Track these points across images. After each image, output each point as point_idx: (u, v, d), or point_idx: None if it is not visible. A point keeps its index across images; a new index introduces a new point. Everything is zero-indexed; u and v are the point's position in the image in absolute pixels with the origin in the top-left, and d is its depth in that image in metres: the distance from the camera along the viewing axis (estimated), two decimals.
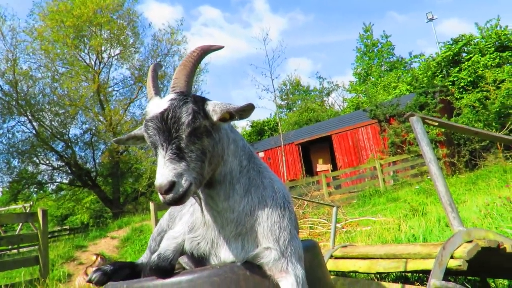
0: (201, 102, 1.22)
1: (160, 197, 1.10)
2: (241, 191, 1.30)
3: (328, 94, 36.03)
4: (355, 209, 9.76)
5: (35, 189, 21.81)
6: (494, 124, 13.91)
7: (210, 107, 1.22)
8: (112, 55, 20.55)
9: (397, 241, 3.93)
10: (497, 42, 18.37)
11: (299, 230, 6.63)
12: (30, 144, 19.18)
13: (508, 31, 18.45)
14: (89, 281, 1.49)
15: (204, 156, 1.18)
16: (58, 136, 19.84)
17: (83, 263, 8.03)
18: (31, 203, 17.73)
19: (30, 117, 18.68)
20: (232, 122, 1.37)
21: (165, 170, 1.09)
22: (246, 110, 1.22)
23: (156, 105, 1.19)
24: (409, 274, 2.68)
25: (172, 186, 1.08)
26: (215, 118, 1.20)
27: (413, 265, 1.85)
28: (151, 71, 1.39)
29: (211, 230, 1.34)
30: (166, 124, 1.14)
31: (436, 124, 1.91)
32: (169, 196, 1.08)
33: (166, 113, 1.15)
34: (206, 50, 1.29)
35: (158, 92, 1.30)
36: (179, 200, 1.10)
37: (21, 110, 18.06)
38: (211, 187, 1.30)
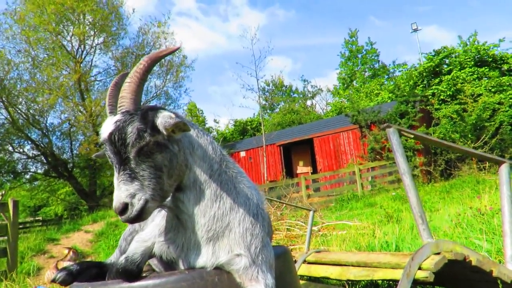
0: (152, 116, 1.20)
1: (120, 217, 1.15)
2: (212, 195, 1.29)
3: (312, 97, 36.32)
4: (332, 212, 9.88)
5: (9, 178, 21.14)
6: (470, 135, 14.32)
7: (159, 120, 1.19)
8: (96, 43, 20.14)
9: (371, 247, 3.99)
10: (476, 57, 18.92)
11: (277, 232, 6.67)
12: (4, 131, 18.55)
13: (487, 47, 19.04)
14: (54, 280, 1.44)
15: (160, 171, 1.19)
16: (35, 124, 19.27)
17: (54, 257, 7.82)
18: (3, 192, 17.14)
19: (6, 103, 18.07)
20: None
21: (118, 192, 1.14)
22: (178, 127, 1.19)
23: (106, 127, 1.20)
24: (379, 282, 2.72)
25: (125, 207, 1.12)
26: (165, 132, 1.19)
27: (383, 274, 1.88)
28: (112, 85, 1.36)
29: (182, 234, 1.32)
30: (115, 147, 1.17)
31: (412, 136, 1.94)
32: (124, 216, 1.13)
33: (113, 135, 1.16)
34: (154, 60, 1.25)
35: (113, 110, 1.29)
36: (136, 219, 1.15)
37: None
38: (181, 191, 1.29)
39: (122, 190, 1.13)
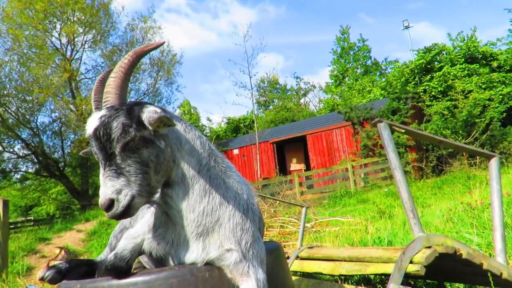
0: (137, 111, 1.18)
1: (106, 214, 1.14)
2: (201, 190, 1.27)
3: (304, 95, 36.35)
4: (325, 209, 9.91)
5: None
6: (461, 131, 14.46)
7: (145, 115, 1.17)
8: (85, 41, 19.91)
9: (363, 243, 4.01)
10: (467, 54, 19.10)
11: (270, 229, 6.67)
12: None
13: (477, 43, 19.23)
14: (42, 279, 1.42)
15: (146, 167, 1.17)
16: (25, 124, 19.04)
17: (46, 256, 7.75)
18: None
19: None
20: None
21: (104, 188, 1.12)
22: (163, 122, 1.17)
23: (91, 123, 1.18)
24: (372, 276, 2.73)
25: (111, 203, 1.11)
26: (150, 127, 1.17)
27: (375, 269, 1.88)
28: (97, 81, 1.35)
29: (171, 230, 1.30)
30: (100, 142, 1.15)
31: (403, 131, 1.95)
32: (110, 212, 1.11)
33: (98, 131, 1.14)
34: (139, 55, 1.23)
35: (99, 105, 1.27)
36: (122, 215, 1.13)
37: None
38: (169, 187, 1.27)
39: (108, 186, 1.11)
